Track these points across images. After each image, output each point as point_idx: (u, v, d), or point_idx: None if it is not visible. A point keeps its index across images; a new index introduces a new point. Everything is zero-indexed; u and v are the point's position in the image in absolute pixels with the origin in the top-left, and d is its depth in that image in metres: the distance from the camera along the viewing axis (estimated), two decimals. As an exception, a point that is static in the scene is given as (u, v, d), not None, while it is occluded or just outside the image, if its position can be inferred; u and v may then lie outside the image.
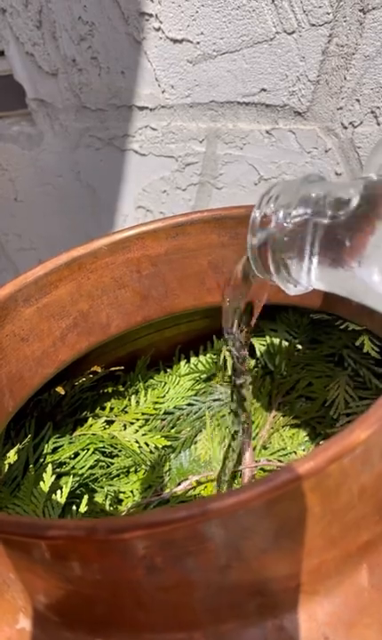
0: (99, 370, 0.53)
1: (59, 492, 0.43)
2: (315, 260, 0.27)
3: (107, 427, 0.54)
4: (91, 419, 0.55)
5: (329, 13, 0.54)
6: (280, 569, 0.26)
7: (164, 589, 0.25)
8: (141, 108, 0.73)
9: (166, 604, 0.26)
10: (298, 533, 0.26)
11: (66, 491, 0.43)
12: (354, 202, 0.25)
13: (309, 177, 0.31)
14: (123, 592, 0.26)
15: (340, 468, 0.25)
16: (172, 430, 0.57)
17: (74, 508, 0.43)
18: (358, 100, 0.58)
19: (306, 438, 0.53)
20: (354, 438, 0.24)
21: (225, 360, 0.57)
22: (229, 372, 0.58)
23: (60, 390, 0.49)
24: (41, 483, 0.43)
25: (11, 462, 0.44)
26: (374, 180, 0.25)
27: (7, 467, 0.44)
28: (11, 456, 0.44)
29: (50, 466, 0.45)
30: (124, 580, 0.25)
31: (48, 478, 0.43)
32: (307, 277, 0.29)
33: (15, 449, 0.45)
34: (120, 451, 0.53)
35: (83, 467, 0.50)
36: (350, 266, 0.25)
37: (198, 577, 0.25)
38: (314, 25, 0.56)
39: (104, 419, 0.55)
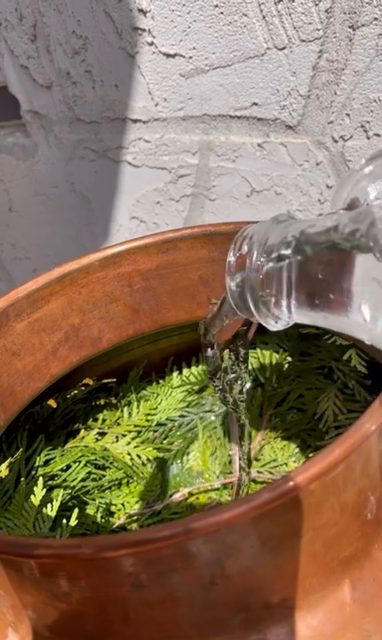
0: (90, 382, 0.53)
1: (49, 505, 0.44)
2: (293, 297, 0.28)
3: (99, 438, 0.55)
4: (83, 430, 0.55)
5: (319, 30, 0.55)
6: (263, 585, 0.26)
7: (150, 605, 0.26)
8: (135, 121, 0.74)
9: (152, 619, 0.26)
10: (282, 550, 0.26)
11: (56, 505, 0.43)
12: (327, 239, 0.26)
13: (279, 217, 0.31)
14: (110, 608, 0.27)
15: (322, 486, 0.25)
16: (165, 442, 0.58)
17: (64, 521, 0.43)
18: (348, 115, 0.59)
19: (297, 450, 0.54)
20: (334, 457, 0.25)
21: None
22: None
23: (52, 403, 0.50)
24: (32, 496, 0.44)
25: (3, 476, 0.44)
26: (342, 214, 0.26)
27: (-1, 480, 0.45)
28: (3, 470, 0.44)
29: (41, 479, 0.45)
30: (111, 596, 0.26)
31: (39, 492, 0.44)
32: (288, 314, 0.29)
33: (7, 462, 0.46)
34: (112, 463, 0.53)
35: (75, 479, 0.50)
36: (328, 301, 0.25)
37: (183, 593, 0.25)
38: (304, 41, 0.56)
39: (96, 430, 0.55)
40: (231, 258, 0.32)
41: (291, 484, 0.24)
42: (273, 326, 0.32)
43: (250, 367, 0.57)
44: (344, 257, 0.24)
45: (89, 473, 0.52)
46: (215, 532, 0.23)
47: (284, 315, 0.30)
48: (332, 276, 0.25)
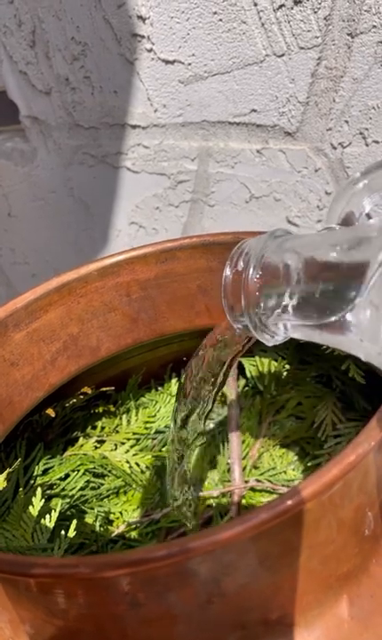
0: (89, 391, 0.53)
1: (48, 516, 0.44)
2: (290, 314, 0.28)
3: (98, 446, 0.55)
4: (82, 438, 0.55)
5: (317, 37, 0.55)
6: (260, 602, 0.26)
7: (147, 623, 0.26)
8: (134, 127, 0.74)
9: (149, 637, 0.26)
10: (279, 567, 0.26)
11: (55, 516, 0.43)
12: (325, 257, 0.26)
13: (275, 232, 0.31)
14: (107, 626, 0.27)
15: (319, 505, 0.25)
16: (163, 449, 0.57)
17: (63, 532, 0.43)
18: (347, 122, 0.59)
19: (296, 458, 0.54)
20: (332, 475, 0.25)
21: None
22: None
23: (51, 412, 0.50)
24: (30, 507, 0.44)
25: (1, 487, 0.44)
26: (337, 231, 0.26)
27: (-3, 491, 0.45)
28: (1, 481, 0.44)
29: (39, 489, 0.45)
30: (108, 614, 0.26)
31: (37, 502, 0.44)
32: (284, 330, 0.29)
33: (5, 473, 0.45)
34: (110, 471, 0.53)
35: (74, 488, 0.50)
36: (324, 320, 0.25)
37: (180, 612, 0.25)
38: (303, 48, 0.56)
39: (95, 438, 0.55)
40: (227, 273, 0.32)
41: (289, 502, 0.24)
42: (269, 341, 0.32)
43: (247, 374, 0.57)
44: (341, 279, 0.24)
45: (87, 482, 0.52)
46: (212, 551, 0.23)
47: (281, 331, 0.30)
48: (329, 295, 0.25)
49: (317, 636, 0.27)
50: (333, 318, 0.25)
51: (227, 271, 0.32)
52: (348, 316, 0.24)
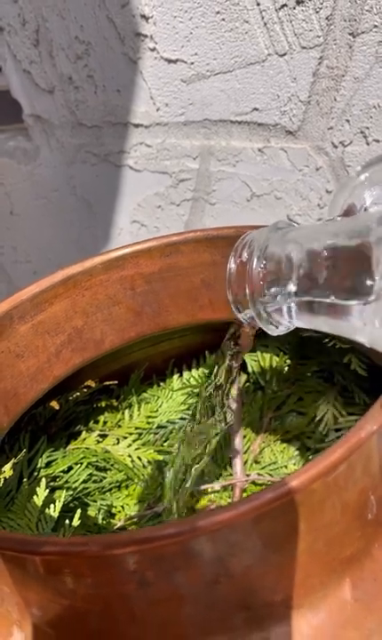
0: (92, 384, 0.53)
1: (52, 506, 0.44)
2: (293, 302, 0.29)
3: (100, 440, 0.55)
4: (84, 432, 0.56)
5: (319, 36, 0.56)
6: (266, 583, 0.27)
7: (155, 603, 0.26)
8: (136, 126, 0.74)
9: (157, 617, 0.27)
10: (284, 549, 0.27)
11: (59, 505, 0.44)
12: (326, 245, 0.26)
13: (278, 224, 0.32)
14: (115, 606, 0.27)
15: (324, 486, 0.26)
16: (165, 444, 0.58)
17: (66, 521, 0.44)
18: (348, 121, 0.59)
19: (297, 452, 0.54)
20: (336, 457, 0.25)
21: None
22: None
23: (55, 405, 0.50)
24: (34, 497, 0.44)
25: (7, 477, 0.45)
26: (339, 222, 0.27)
27: (2, 481, 0.45)
28: (7, 470, 0.45)
29: (44, 480, 0.45)
30: (116, 593, 0.26)
31: (42, 492, 0.44)
32: (288, 319, 0.30)
33: (10, 463, 0.46)
34: (113, 465, 0.54)
35: (77, 480, 0.50)
36: (327, 306, 0.26)
37: (187, 591, 0.26)
38: (304, 47, 0.57)
39: (98, 432, 0.55)
40: (231, 264, 0.33)
41: (294, 483, 0.24)
42: (274, 331, 0.32)
43: (249, 370, 0.58)
44: (343, 264, 0.25)
45: (90, 475, 0.52)
46: (219, 530, 0.24)
47: (285, 320, 0.30)
48: (332, 281, 0.25)
49: (321, 618, 0.28)
50: (336, 302, 0.25)
51: (231, 262, 0.33)
52: (351, 301, 0.24)
